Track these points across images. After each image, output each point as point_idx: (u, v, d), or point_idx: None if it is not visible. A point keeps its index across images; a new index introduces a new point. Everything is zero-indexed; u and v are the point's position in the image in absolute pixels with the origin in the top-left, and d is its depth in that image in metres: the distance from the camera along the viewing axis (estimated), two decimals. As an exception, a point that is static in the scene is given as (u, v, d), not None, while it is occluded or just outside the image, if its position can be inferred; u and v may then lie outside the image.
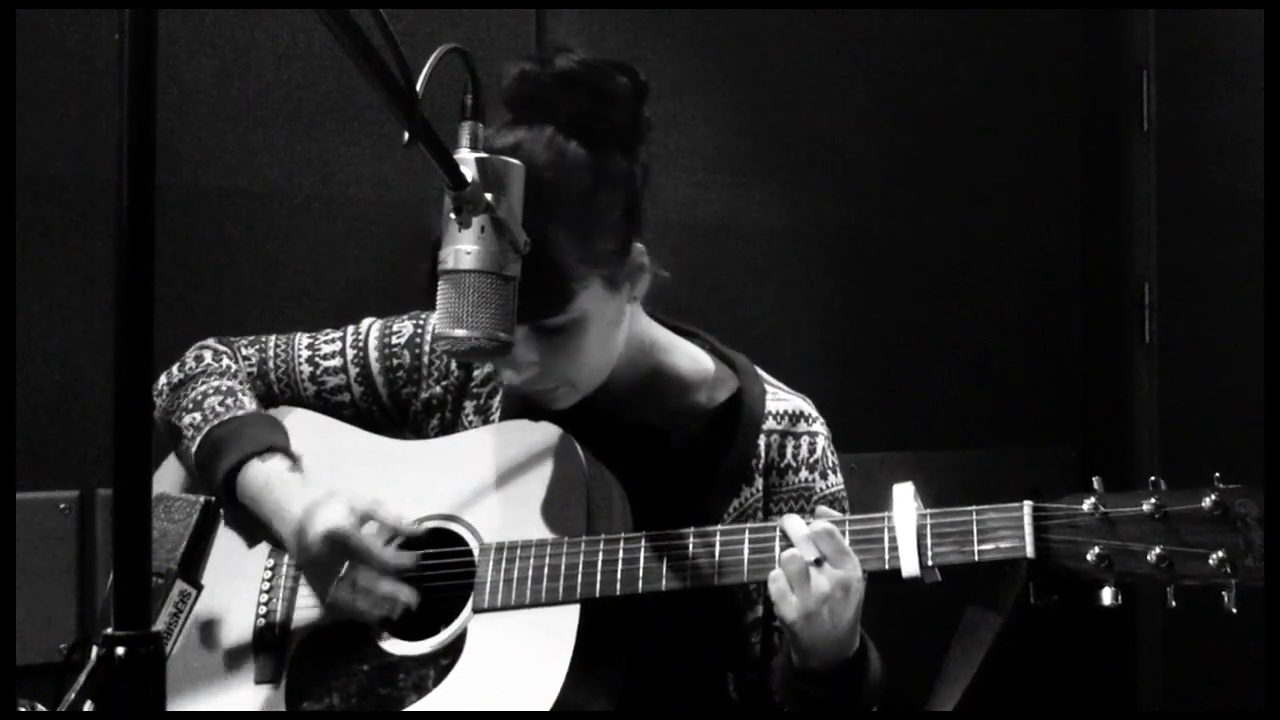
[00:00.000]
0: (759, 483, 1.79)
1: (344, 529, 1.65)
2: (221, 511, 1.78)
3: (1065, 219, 3.44)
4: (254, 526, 1.77)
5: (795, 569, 1.56)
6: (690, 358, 1.85)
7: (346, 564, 1.66)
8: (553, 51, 1.68)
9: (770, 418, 1.82)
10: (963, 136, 3.26)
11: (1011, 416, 3.31)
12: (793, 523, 1.59)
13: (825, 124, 3.09)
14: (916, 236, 3.21)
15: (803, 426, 1.83)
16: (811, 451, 1.82)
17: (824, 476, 1.82)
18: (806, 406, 1.85)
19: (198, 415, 1.80)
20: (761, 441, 1.80)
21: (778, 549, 1.59)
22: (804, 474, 1.81)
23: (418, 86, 1.34)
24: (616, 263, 1.67)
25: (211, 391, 1.82)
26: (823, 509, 1.74)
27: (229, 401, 1.80)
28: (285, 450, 1.77)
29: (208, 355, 1.89)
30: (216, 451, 1.76)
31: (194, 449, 1.78)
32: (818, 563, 1.55)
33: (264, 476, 1.73)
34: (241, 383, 1.85)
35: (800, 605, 1.55)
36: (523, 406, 1.80)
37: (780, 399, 1.84)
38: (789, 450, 1.81)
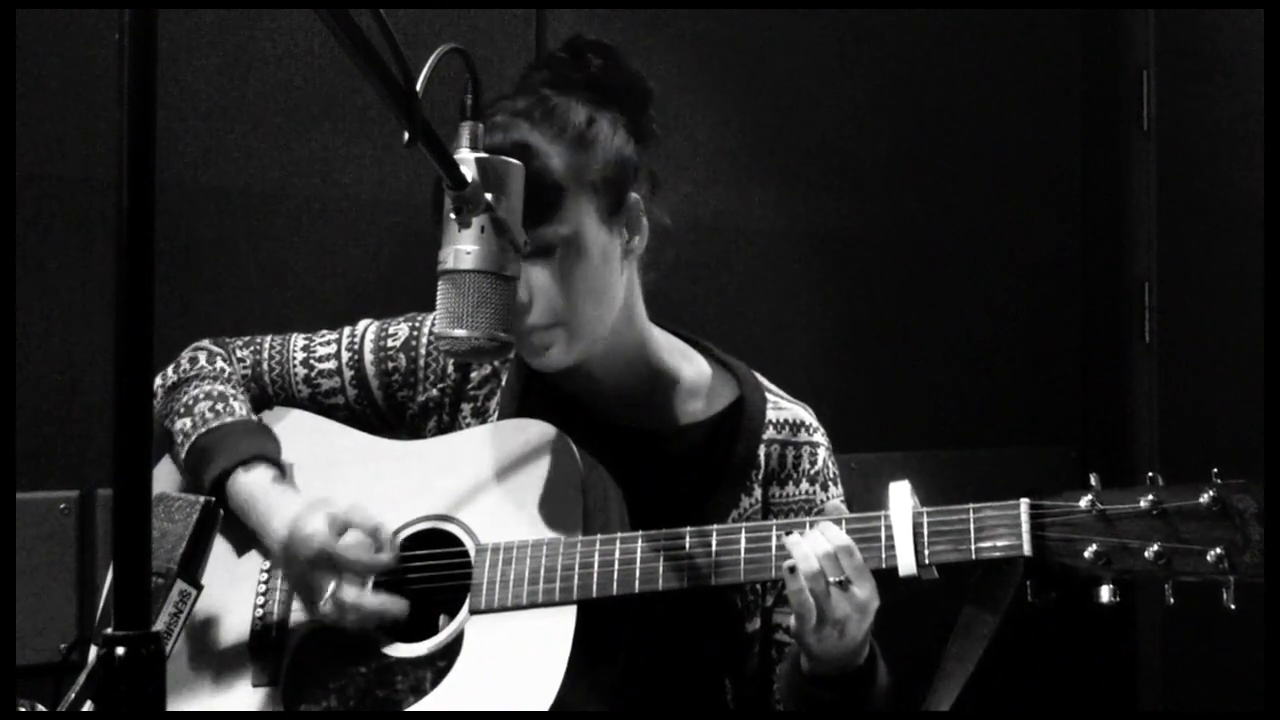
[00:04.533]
0: (758, 493, 1.78)
1: (324, 543, 1.64)
2: (221, 511, 1.78)
3: (1065, 219, 3.43)
4: (249, 528, 1.76)
5: (821, 588, 1.52)
6: (690, 362, 1.84)
7: (332, 581, 1.65)
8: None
9: (770, 427, 1.80)
10: (963, 137, 3.26)
11: (1010, 416, 3.30)
12: (814, 540, 1.54)
13: (825, 124, 3.09)
14: (916, 236, 3.21)
15: (803, 436, 1.81)
16: (812, 463, 1.80)
17: (824, 489, 1.81)
18: (807, 416, 1.83)
19: (187, 421, 1.79)
20: (761, 451, 1.79)
21: (774, 548, 1.58)
22: (805, 486, 1.80)
23: (418, 86, 1.34)
24: (611, 193, 1.69)
25: (202, 396, 1.81)
26: (832, 504, 1.74)
27: (219, 407, 1.80)
28: (272, 459, 1.76)
29: (202, 357, 1.88)
30: (203, 460, 1.76)
31: (183, 456, 1.78)
32: (841, 585, 1.52)
33: (248, 489, 1.73)
34: (234, 387, 1.85)
35: (817, 624, 1.53)
36: (520, 408, 1.79)
37: (781, 408, 1.82)
38: (789, 460, 1.80)
